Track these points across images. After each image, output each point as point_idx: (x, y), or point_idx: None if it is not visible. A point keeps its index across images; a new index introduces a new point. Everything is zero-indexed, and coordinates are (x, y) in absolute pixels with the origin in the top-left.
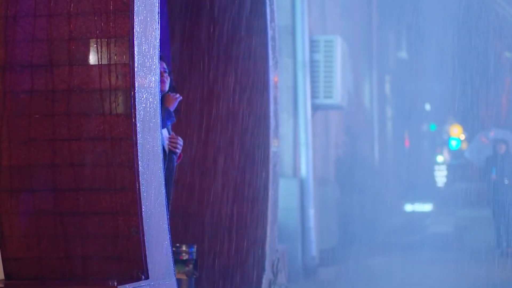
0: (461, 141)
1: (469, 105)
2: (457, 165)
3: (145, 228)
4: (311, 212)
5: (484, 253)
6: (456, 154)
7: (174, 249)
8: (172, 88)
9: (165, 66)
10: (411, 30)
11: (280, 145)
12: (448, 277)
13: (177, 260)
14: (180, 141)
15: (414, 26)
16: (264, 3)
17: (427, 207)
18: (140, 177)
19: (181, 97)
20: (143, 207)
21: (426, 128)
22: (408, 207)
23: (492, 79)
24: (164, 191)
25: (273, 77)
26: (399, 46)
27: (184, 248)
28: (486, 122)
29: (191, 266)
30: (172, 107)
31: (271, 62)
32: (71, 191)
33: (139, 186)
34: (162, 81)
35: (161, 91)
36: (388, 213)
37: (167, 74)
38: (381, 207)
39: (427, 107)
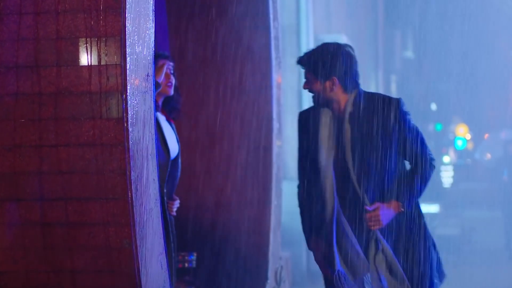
0: (467, 140)
1: (475, 104)
2: (463, 165)
3: (138, 239)
4: None
5: (493, 256)
6: (462, 154)
7: None
8: (176, 89)
9: (171, 67)
10: (417, 29)
11: (284, 147)
12: (455, 280)
13: (176, 269)
14: (177, 203)
15: (420, 25)
16: (266, 2)
17: (433, 208)
18: (132, 186)
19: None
20: (136, 217)
21: (431, 128)
22: None
23: (498, 78)
24: (159, 200)
25: (276, 77)
26: (405, 45)
27: (183, 256)
28: (492, 121)
29: (191, 275)
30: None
31: (274, 62)
32: (59, 201)
33: (131, 195)
34: (169, 85)
35: (166, 95)
36: None
37: (173, 77)
38: None
39: (433, 106)
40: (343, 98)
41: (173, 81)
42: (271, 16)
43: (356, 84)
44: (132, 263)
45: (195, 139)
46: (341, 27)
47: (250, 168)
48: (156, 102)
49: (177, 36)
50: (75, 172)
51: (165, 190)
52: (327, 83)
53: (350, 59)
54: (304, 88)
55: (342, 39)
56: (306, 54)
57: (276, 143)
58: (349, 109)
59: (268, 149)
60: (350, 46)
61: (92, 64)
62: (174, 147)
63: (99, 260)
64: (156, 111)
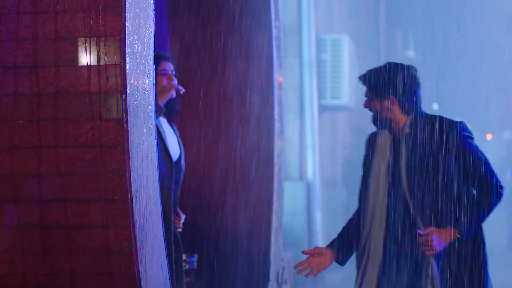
0: None
1: (477, 104)
2: None
3: (138, 241)
4: (318, 216)
5: (495, 256)
6: None
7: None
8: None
9: (172, 68)
10: (419, 29)
11: (286, 147)
12: None
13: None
14: (183, 219)
15: (422, 25)
16: (268, 1)
17: None
18: (132, 187)
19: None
20: (135, 219)
21: None
22: None
23: (501, 78)
24: (159, 202)
25: (277, 77)
26: (406, 45)
27: (184, 257)
28: (494, 121)
29: (192, 276)
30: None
31: (275, 62)
32: (58, 202)
33: (131, 196)
34: (170, 86)
35: (169, 98)
36: None
37: (175, 79)
38: None
39: (435, 106)
40: (401, 119)
41: (175, 83)
42: (273, 15)
43: (416, 106)
44: (132, 265)
45: (195, 140)
46: (343, 26)
47: (251, 168)
48: (158, 105)
49: (178, 36)
50: (74, 174)
51: (172, 198)
52: (385, 102)
53: (412, 80)
54: (365, 106)
55: (344, 39)
56: (368, 72)
57: (277, 143)
58: (406, 130)
59: (269, 149)
60: (414, 68)
61: (91, 64)
62: (175, 150)
63: (98, 263)
64: (158, 115)
